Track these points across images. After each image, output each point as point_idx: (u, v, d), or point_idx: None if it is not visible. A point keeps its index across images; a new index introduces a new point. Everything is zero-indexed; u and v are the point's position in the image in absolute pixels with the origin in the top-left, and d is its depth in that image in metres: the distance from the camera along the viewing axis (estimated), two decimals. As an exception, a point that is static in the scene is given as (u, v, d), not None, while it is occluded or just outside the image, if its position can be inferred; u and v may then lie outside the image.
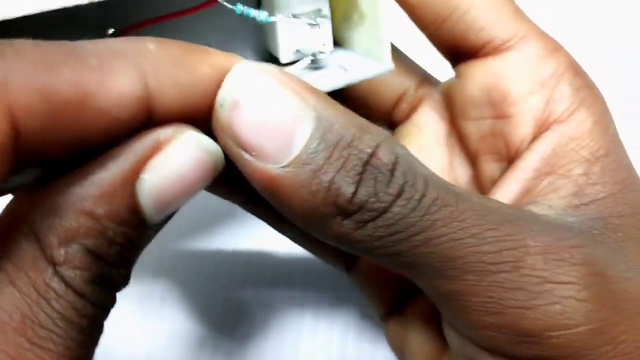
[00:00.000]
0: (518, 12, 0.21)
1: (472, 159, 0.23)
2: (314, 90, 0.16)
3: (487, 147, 0.22)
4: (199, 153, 0.15)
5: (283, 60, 0.21)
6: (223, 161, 0.16)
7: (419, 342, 0.22)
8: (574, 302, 0.16)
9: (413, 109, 0.24)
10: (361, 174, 0.15)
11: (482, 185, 0.22)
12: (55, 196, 0.14)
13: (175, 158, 0.15)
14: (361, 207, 0.16)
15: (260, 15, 0.19)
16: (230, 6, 0.19)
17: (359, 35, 0.21)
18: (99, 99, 0.13)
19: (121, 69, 0.14)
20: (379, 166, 0.16)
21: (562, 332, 0.16)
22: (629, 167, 0.20)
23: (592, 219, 0.18)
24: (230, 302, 0.30)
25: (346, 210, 0.16)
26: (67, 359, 0.14)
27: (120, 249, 0.15)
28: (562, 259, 0.16)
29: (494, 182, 0.21)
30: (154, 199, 0.15)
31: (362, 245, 0.16)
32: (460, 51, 0.21)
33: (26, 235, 0.14)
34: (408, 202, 0.16)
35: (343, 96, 0.24)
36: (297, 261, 0.31)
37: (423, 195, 0.16)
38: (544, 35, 0.21)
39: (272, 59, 0.22)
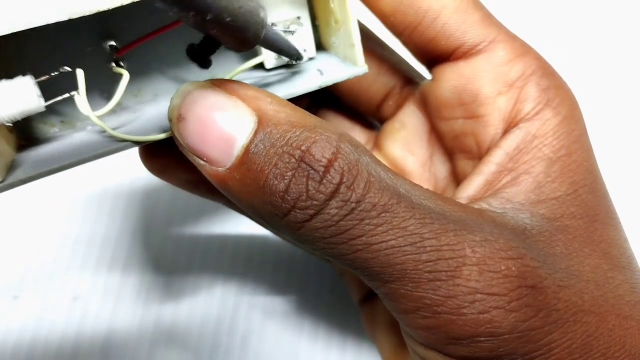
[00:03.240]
0: (487, 17, 0.21)
1: (449, 155, 0.24)
2: (262, 95, 0.17)
3: (460, 146, 0.23)
4: None
5: (267, 65, 0.22)
6: None
7: (388, 328, 0.24)
8: (502, 312, 0.16)
9: (399, 107, 0.25)
10: (294, 170, 0.16)
11: (457, 180, 0.23)
12: None
13: None
14: (294, 206, 0.16)
15: None
16: None
17: (338, 40, 0.22)
18: None
19: None
20: (311, 163, 0.16)
21: (488, 339, 0.16)
22: (589, 169, 0.20)
23: (545, 218, 0.19)
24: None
25: (280, 208, 0.16)
26: None
27: None
28: (497, 270, 0.16)
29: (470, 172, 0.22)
30: None
31: (307, 245, 0.17)
32: (432, 56, 0.22)
33: None
34: (345, 204, 0.16)
35: (335, 96, 0.26)
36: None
37: (361, 198, 0.16)
38: (512, 39, 0.21)
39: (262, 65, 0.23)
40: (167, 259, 0.32)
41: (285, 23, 0.22)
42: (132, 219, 0.33)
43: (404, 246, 0.16)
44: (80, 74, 0.18)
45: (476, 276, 0.16)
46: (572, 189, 0.19)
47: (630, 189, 0.34)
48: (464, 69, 0.21)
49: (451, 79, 0.22)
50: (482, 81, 0.21)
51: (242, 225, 0.33)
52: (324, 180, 0.16)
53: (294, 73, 0.22)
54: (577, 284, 0.18)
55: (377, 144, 0.26)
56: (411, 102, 0.25)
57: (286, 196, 0.16)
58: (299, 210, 0.16)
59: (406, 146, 0.25)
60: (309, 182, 0.16)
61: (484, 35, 0.21)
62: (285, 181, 0.16)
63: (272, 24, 0.21)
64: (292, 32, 0.21)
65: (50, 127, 0.21)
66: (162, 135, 0.19)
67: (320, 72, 0.22)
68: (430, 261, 0.16)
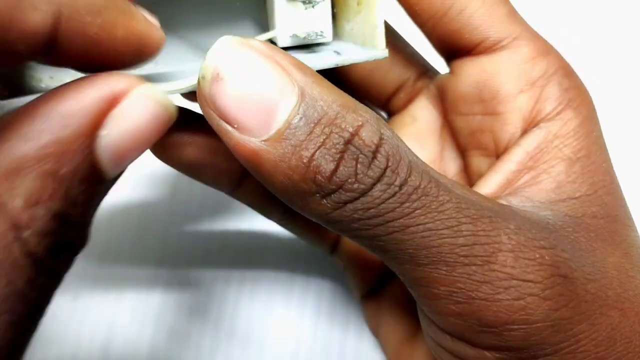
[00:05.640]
0: (513, 13, 0.21)
1: (462, 152, 0.23)
2: (301, 66, 0.16)
3: (475, 142, 0.22)
4: (155, 107, 0.15)
5: (280, 44, 0.21)
6: (176, 113, 0.16)
7: (393, 323, 0.23)
8: (537, 300, 0.16)
9: (410, 100, 0.25)
10: (342, 152, 0.16)
11: (469, 177, 0.23)
12: (10, 155, 0.13)
13: (133, 112, 0.15)
14: (340, 187, 0.16)
15: None
16: None
17: (358, 25, 0.21)
18: (6, 33, 0.13)
19: (38, 5, 0.14)
20: (360, 147, 0.16)
21: (521, 327, 0.16)
22: (607, 170, 0.20)
23: (567, 216, 0.19)
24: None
25: (325, 188, 0.16)
26: (10, 334, 0.13)
27: (82, 209, 0.14)
28: (532, 258, 0.17)
29: (481, 176, 0.21)
30: (112, 154, 0.15)
31: (339, 225, 0.16)
32: (454, 48, 0.22)
33: None
34: (389, 188, 0.16)
35: (343, 83, 0.25)
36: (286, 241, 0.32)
37: (404, 182, 0.16)
38: (536, 37, 0.21)
39: (274, 43, 0.22)
40: (169, 258, 0.31)
41: (307, -1, 0.21)
42: (133, 217, 0.32)
43: (441, 229, 0.16)
44: None
45: (512, 262, 0.16)
46: (592, 190, 0.19)
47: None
48: (485, 64, 0.21)
49: (472, 74, 0.22)
50: (504, 78, 0.21)
51: (244, 222, 0.32)
52: (373, 165, 0.16)
53: (309, 53, 0.21)
54: (602, 279, 0.18)
55: None
56: (424, 95, 0.24)
57: (334, 177, 0.15)
58: (344, 192, 0.16)
59: (417, 140, 0.24)
60: (358, 166, 0.16)
61: (508, 31, 0.21)
62: (335, 162, 0.15)
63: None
64: (312, 5, 0.20)
65: (38, 83, 0.19)
66: (187, 84, 0.17)
67: (337, 53, 0.21)
68: (466, 245, 0.16)
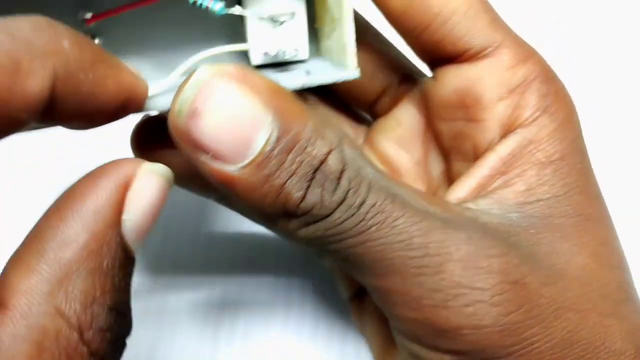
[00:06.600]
0: (495, 20, 0.21)
1: (445, 155, 0.24)
2: (275, 90, 0.17)
3: (457, 147, 0.23)
4: (159, 180, 0.16)
5: (253, 62, 0.21)
6: (173, 177, 0.17)
7: (376, 326, 0.24)
8: (486, 306, 0.17)
9: (394, 103, 0.25)
10: (310, 180, 0.17)
11: (451, 181, 0.23)
12: (58, 263, 0.14)
13: (145, 191, 0.16)
14: (306, 213, 0.17)
15: (215, 5, 0.19)
16: None
17: (333, 42, 0.21)
18: (8, 103, 0.14)
19: (35, 71, 0.14)
20: (327, 173, 0.17)
21: (472, 331, 0.17)
22: (583, 171, 0.20)
23: (534, 217, 0.19)
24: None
25: (292, 213, 0.17)
26: None
27: (125, 294, 0.15)
28: (481, 266, 0.17)
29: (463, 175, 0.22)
30: (136, 233, 0.15)
31: (303, 241, 0.18)
32: (437, 57, 0.22)
33: (42, 305, 0.14)
34: (349, 209, 0.17)
35: (330, 87, 0.24)
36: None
37: (363, 202, 0.17)
38: (518, 44, 0.21)
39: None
40: (168, 259, 0.32)
41: (279, 16, 0.20)
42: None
43: (394, 243, 0.17)
44: None
45: (460, 271, 0.17)
46: (563, 191, 0.20)
47: (624, 190, 0.34)
48: (468, 72, 0.21)
49: (454, 81, 0.22)
50: (485, 86, 0.21)
51: (245, 224, 0.32)
52: (337, 191, 0.17)
53: (282, 72, 0.20)
54: (560, 281, 0.18)
55: (369, 140, 0.26)
56: (408, 99, 0.25)
57: (302, 205, 0.17)
58: (309, 216, 0.17)
59: (401, 144, 0.25)
60: (324, 193, 0.17)
61: (491, 39, 0.21)
62: (303, 191, 0.17)
63: (261, 16, 0.20)
64: (280, 22, 0.20)
65: None
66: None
67: (307, 73, 0.20)
68: (417, 257, 0.17)
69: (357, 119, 0.27)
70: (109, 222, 0.15)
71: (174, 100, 0.16)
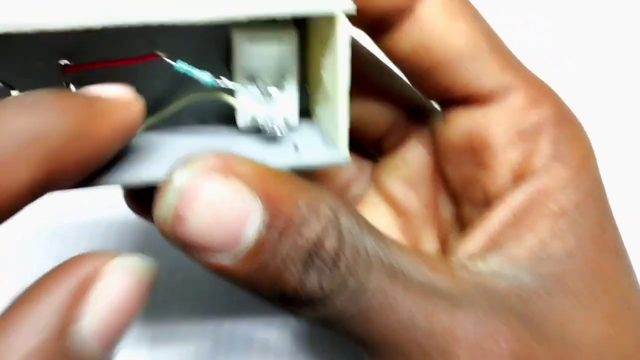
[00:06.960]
0: (505, 59, 0.20)
1: (455, 198, 0.23)
2: (259, 171, 0.16)
3: (466, 192, 0.22)
4: (134, 277, 0.14)
5: (240, 125, 0.20)
6: (157, 269, 0.15)
7: None
8: None
9: (402, 141, 0.24)
10: (307, 265, 0.16)
11: (462, 224, 0.22)
12: None
13: (111, 291, 0.14)
14: (305, 299, 0.16)
15: (204, 77, 0.18)
16: (171, 62, 0.18)
17: (323, 112, 0.20)
18: None
19: (25, 166, 0.14)
20: (324, 257, 0.16)
21: None
22: (599, 221, 0.20)
23: (547, 278, 0.19)
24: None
25: (292, 300, 0.16)
26: None
27: None
28: (489, 351, 0.17)
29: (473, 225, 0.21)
30: (99, 341, 0.14)
31: (301, 319, 0.18)
32: (444, 99, 0.21)
33: None
34: (348, 295, 0.16)
35: None
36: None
37: (363, 286, 0.16)
38: (530, 84, 0.20)
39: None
40: (168, 260, 0.30)
41: (268, 84, 0.19)
42: (128, 232, 0.32)
43: (397, 325, 0.17)
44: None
45: (469, 358, 0.17)
46: (577, 246, 0.19)
47: (624, 190, 0.33)
48: (478, 116, 0.20)
49: (464, 125, 0.21)
50: (495, 130, 0.20)
51: None
52: (335, 277, 0.16)
53: (269, 139, 0.19)
54: (576, 353, 0.18)
55: (375, 179, 0.25)
56: (416, 137, 0.24)
57: (300, 291, 0.16)
58: (308, 302, 0.16)
59: (409, 185, 0.24)
60: (322, 279, 0.16)
61: (501, 81, 0.20)
62: (300, 278, 0.16)
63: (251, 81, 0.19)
64: (269, 96, 0.19)
65: None
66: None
67: (295, 148, 0.19)
68: (422, 338, 0.17)
69: (362, 153, 0.26)
70: (55, 332, 0.13)
71: (156, 204, 0.15)
